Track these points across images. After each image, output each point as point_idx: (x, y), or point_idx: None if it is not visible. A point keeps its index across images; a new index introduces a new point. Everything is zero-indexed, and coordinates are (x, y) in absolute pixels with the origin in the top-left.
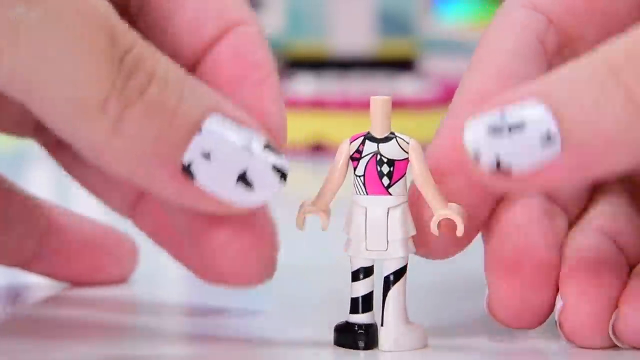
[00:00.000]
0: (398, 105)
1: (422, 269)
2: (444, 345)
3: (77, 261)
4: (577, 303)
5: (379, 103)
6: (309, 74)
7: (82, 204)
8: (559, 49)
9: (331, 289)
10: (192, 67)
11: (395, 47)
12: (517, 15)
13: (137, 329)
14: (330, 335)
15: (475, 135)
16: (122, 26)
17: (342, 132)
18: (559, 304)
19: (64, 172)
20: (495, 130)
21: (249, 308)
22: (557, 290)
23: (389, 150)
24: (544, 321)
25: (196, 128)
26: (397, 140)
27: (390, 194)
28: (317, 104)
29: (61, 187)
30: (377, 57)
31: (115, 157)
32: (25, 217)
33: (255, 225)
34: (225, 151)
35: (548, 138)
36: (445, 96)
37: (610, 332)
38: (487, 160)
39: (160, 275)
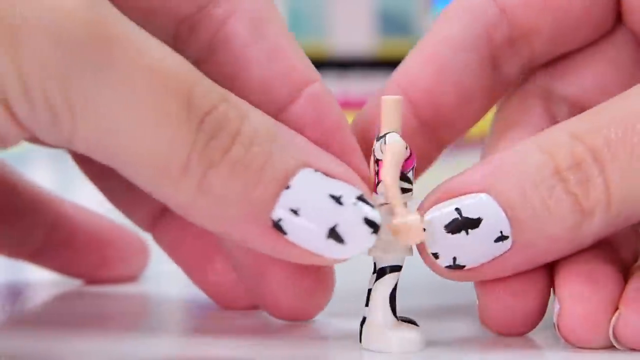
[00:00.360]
0: None
1: (422, 268)
2: (444, 345)
3: (85, 256)
4: (574, 306)
5: (390, 103)
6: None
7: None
8: (511, 41)
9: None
10: None
11: (395, 47)
12: (470, 4)
13: (145, 327)
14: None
15: (434, 236)
16: (203, 87)
17: None
18: (556, 307)
19: (91, 183)
20: (452, 231)
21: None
22: (547, 294)
23: (376, 150)
24: (535, 326)
25: (284, 184)
26: (383, 140)
27: (377, 193)
28: None
29: (61, 188)
30: (377, 57)
31: (203, 216)
32: (32, 209)
33: (318, 268)
34: (314, 206)
35: (501, 238)
36: None
37: (611, 335)
38: (444, 260)
39: (171, 274)
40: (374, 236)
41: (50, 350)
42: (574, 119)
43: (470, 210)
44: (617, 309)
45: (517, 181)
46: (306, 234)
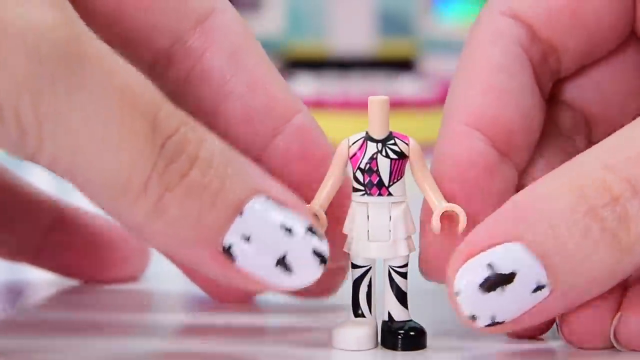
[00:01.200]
0: (398, 105)
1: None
2: (444, 345)
3: (85, 257)
4: (576, 308)
5: (377, 103)
6: (309, 74)
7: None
8: (544, 58)
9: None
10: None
11: (395, 47)
12: (500, 25)
13: (145, 327)
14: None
15: (470, 298)
16: (166, 110)
17: (342, 132)
18: None
19: None
20: (488, 289)
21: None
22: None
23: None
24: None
25: (237, 211)
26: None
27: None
28: (317, 104)
29: (61, 190)
30: (377, 57)
31: (157, 238)
32: (31, 211)
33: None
34: (265, 234)
35: (538, 288)
36: (445, 96)
37: (612, 336)
38: (483, 321)
39: (171, 274)
40: (322, 267)
41: (50, 350)
42: (601, 147)
43: (503, 265)
44: (618, 311)
45: (549, 226)
46: (255, 261)
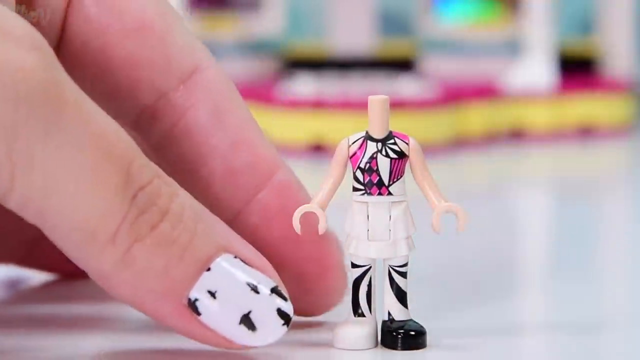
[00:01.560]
0: (398, 105)
1: (422, 267)
2: (444, 345)
3: None
4: None
5: (377, 103)
6: (309, 74)
7: None
8: None
9: None
10: (232, 217)
11: (395, 47)
12: None
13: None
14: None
15: None
16: (140, 162)
17: (342, 132)
18: None
19: None
20: None
21: None
22: None
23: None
24: None
25: (205, 266)
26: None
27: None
28: (317, 104)
29: None
30: (377, 57)
31: (122, 288)
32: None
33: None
34: (231, 291)
35: None
36: (445, 96)
37: None
38: None
39: None
40: (284, 328)
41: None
42: None
43: None
44: None
45: None
46: (220, 316)
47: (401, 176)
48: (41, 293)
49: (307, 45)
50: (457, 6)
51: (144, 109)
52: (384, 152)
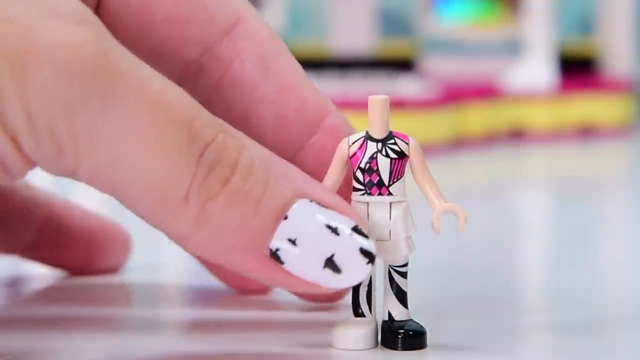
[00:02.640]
0: (398, 105)
1: (422, 267)
2: (444, 345)
3: (74, 251)
4: None
5: (377, 103)
6: (309, 74)
7: (78, 197)
8: None
9: None
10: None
11: (395, 47)
12: None
13: (130, 318)
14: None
15: None
16: (203, 119)
17: None
18: None
19: None
20: None
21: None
22: None
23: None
24: None
25: (282, 215)
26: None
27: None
28: None
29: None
30: (377, 57)
31: (202, 246)
32: (24, 209)
33: None
34: (312, 236)
35: None
36: (446, 96)
37: None
38: None
39: (153, 265)
40: (369, 266)
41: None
42: None
43: None
44: None
45: None
46: (303, 263)
47: (401, 176)
48: (41, 293)
49: (307, 44)
50: (457, 6)
51: (189, 64)
52: (384, 152)
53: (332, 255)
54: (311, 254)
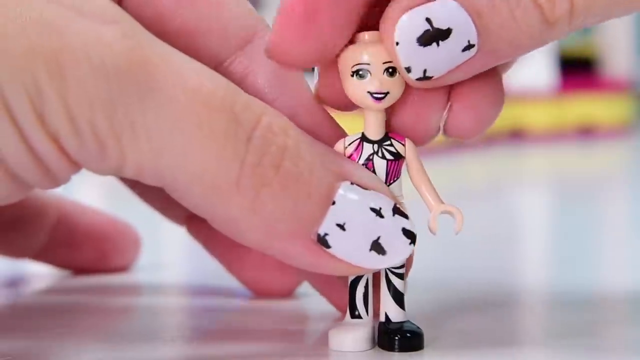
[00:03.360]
0: None
1: (419, 268)
2: (441, 346)
3: (81, 251)
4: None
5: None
6: (308, 74)
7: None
8: None
9: None
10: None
11: None
12: None
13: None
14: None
15: (408, 50)
16: (245, 101)
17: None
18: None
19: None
20: (424, 43)
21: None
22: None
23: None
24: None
25: (330, 199)
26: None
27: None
28: None
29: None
30: None
31: (252, 233)
32: (37, 214)
33: None
34: (359, 220)
35: (468, 47)
36: None
37: (442, 126)
38: (415, 73)
39: (162, 264)
40: (411, 246)
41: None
42: None
43: (441, 21)
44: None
45: None
46: (351, 247)
47: (398, 178)
48: (42, 293)
49: None
50: None
51: None
52: (380, 154)
53: (378, 238)
54: (359, 237)
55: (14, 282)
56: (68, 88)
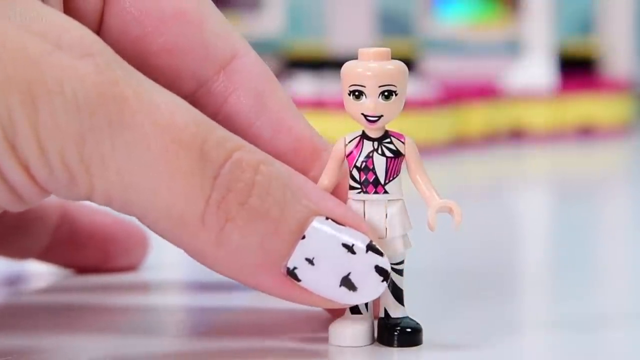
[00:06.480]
0: None
1: (419, 265)
2: (440, 342)
3: (84, 251)
4: None
5: None
6: (309, 74)
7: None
8: None
9: None
10: None
11: (395, 47)
12: None
13: (133, 318)
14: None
15: None
16: (217, 138)
17: (342, 131)
18: None
19: None
20: None
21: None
22: None
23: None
24: None
25: (300, 234)
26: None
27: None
28: (317, 104)
29: None
30: None
31: (220, 265)
32: (39, 212)
33: None
34: (328, 255)
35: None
36: (446, 96)
37: None
38: None
39: (165, 263)
40: (384, 284)
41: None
42: None
43: None
44: None
45: None
46: (320, 282)
47: (397, 175)
48: (42, 292)
49: (307, 45)
50: (457, 6)
51: (185, 98)
52: (380, 151)
53: (349, 274)
54: (328, 273)
55: (15, 281)
56: (40, 119)
